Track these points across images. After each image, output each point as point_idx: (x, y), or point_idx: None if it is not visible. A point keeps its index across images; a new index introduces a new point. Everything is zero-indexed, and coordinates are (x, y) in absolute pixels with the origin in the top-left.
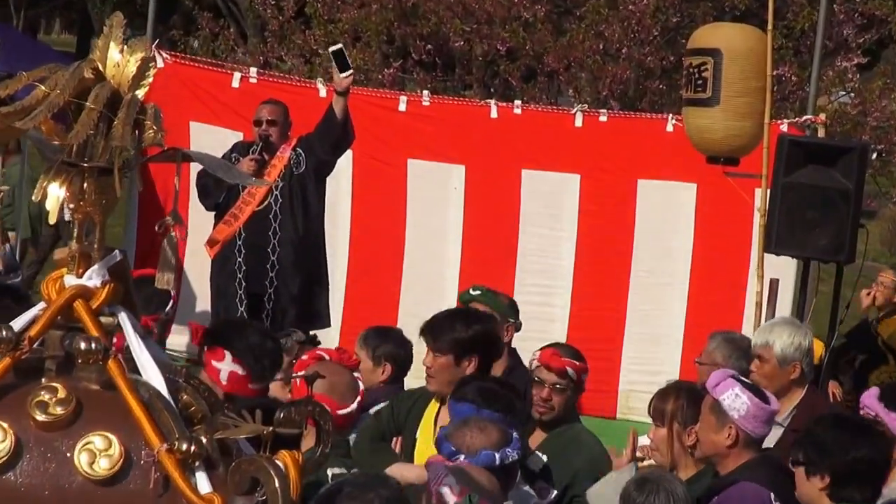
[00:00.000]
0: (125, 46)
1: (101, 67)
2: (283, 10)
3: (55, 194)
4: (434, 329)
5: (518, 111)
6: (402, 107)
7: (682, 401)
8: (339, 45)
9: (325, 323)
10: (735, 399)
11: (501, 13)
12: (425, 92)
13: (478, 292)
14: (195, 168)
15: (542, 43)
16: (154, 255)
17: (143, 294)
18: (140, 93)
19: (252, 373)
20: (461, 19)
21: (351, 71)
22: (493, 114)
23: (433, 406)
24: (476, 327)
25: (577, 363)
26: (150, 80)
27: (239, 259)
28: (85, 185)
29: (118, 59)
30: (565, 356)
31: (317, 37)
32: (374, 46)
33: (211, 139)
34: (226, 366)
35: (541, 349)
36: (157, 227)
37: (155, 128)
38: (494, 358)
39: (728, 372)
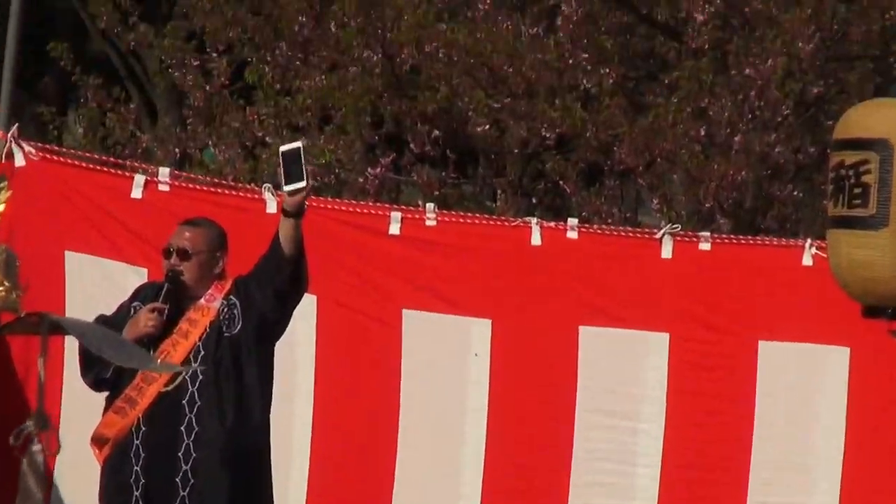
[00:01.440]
0: None
1: None
2: (212, 76)
3: None
4: None
5: (573, 234)
6: (395, 228)
7: None
8: (299, 144)
9: None
10: None
11: (548, 80)
12: (430, 205)
13: None
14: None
15: (611, 126)
16: None
17: None
18: None
19: None
20: (486, 89)
21: (299, 185)
22: (536, 239)
23: None
24: None
25: None
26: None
27: (136, 467)
28: None
29: None
30: None
31: (263, 116)
32: (353, 132)
33: (98, 280)
34: None
35: None
36: (11, 440)
37: (7, 284)
38: None
39: None
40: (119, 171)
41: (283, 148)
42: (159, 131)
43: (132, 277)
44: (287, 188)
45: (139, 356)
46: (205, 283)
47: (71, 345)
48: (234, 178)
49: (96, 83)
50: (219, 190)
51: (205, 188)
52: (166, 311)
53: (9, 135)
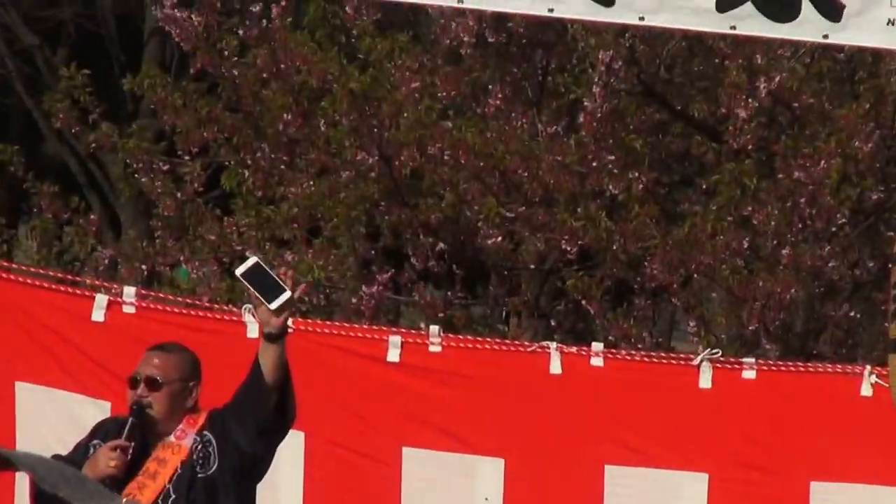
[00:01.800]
0: None
1: None
2: (184, 182)
3: None
4: None
5: (598, 361)
6: (394, 354)
7: None
8: (254, 259)
9: None
10: None
11: (568, 186)
12: (434, 328)
13: None
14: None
15: (640, 238)
16: None
17: None
18: None
19: None
20: (498, 196)
21: (286, 297)
22: (555, 366)
23: None
24: None
25: None
26: None
27: None
28: None
29: None
30: None
31: (243, 228)
32: (345, 245)
33: (54, 414)
34: None
35: None
36: None
37: None
38: None
39: None
40: (78, 291)
41: (238, 271)
42: (123, 245)
43: (92, 411)
44: (274, 305)
45: (100, 495)
46: (176, 416)
47: (22, 484)
48: (209, 298)
49: (51, 191)
50: (192, 312)
51: (176, 310)
52: (131, 450)
53: None
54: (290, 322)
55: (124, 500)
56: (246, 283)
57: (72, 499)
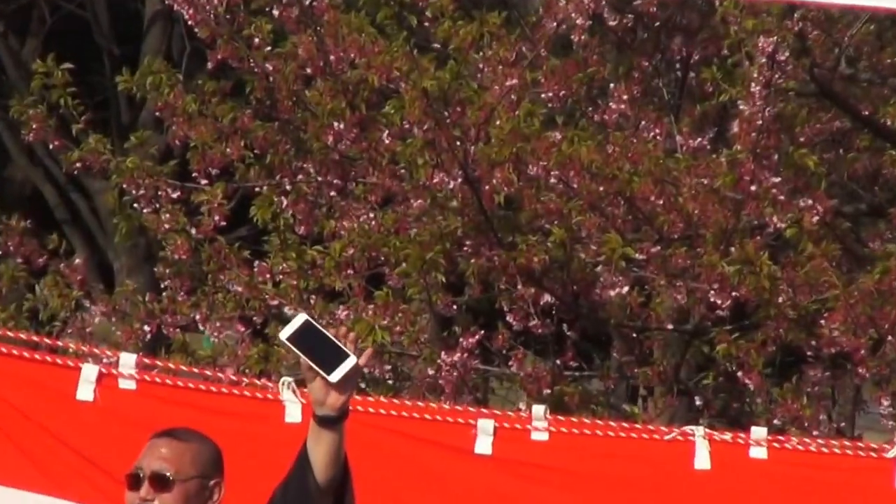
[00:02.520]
0: None
1: None
2: (201, 215)
3: None
4: None
5: (760, 453)
6: (485, 444)
7: None
8: (303, 316)
9: None
10: None
11: (719, 218)
12: (538, 408)
13: None
14: None
15: (815, 287)
16: None
17: None
18: None
19: None
20: (622, 231)
21: (350, 364)
22: (702, 460)
23: None
24: None
25: None
26: None
27: None
28: None
29: None
30: None
31: (279, 276)
32: (418, 299)
33: None
34: None
35: None
36: None
37: None
38: None
39: None
40: (59, 360)
41: (283, 335)
42: (118, 300)
43: None
44: (335, 376)
45: None
46: None
47: None
48: (235, 370)
49: (21, 227)
50: (213, 388)
51: (191, 385)
52: None
53: None
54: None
55: None
56: (295, 350)
57: None
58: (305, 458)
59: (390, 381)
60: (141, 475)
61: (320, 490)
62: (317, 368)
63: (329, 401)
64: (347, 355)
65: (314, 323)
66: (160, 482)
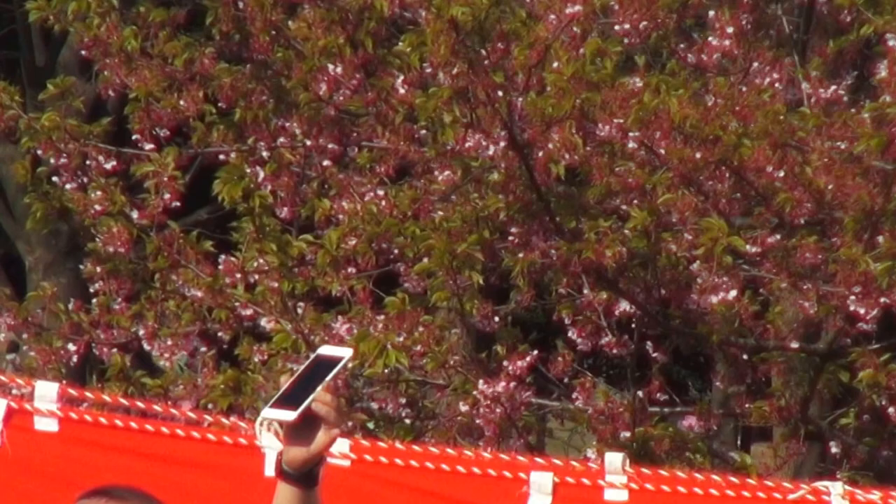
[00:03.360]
0: None
1: None
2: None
3: None
4: None
5: None
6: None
7: None
8: (350, 353)
9: None
10: None
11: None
12: (614, 457)
13: None
14: None
15: None
16: None
17: None
18: None
19: None
20: (728, 215)
21: (288, 415)
22: None
23: None
24: None
25: None
26: None
27: None
28: None
29: None
30: None
31: (253, 275)
32: (447, 308)
33: None
34: None
35: None
36: None
37: None
38: None
39: None
40: None
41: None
42: (32, 308)
43: None
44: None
45: None
46: None
47: None
48: (194, 404)
49: None
50: (164, 430)
51: (133, 426)
52: None
53: None
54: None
55: None
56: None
57: None
58: None
59: (408, 421)
60: None
61: None
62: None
63: (290, 453)
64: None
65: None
66: None
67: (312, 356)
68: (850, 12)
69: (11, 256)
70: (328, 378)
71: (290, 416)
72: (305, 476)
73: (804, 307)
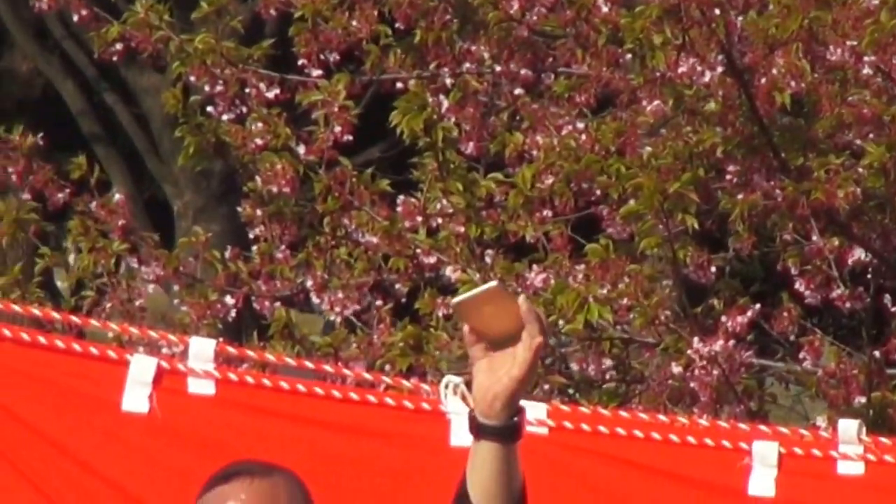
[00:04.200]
0: None
1: None
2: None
3: None
4: None
5: None
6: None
7: None
8: (493, 284)
9: None
10: None
11: None
12: (850, 424)
13: None
14: None
15: None
16: None
17: None
18: None
19: None
20: None
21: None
22: None
23: None
24: None
25: None
26: None
27: None
28: None
29: None
30: None
31: (438, 217)
32: (654, 256)
33: None
34: None
35: None
36: None
37: None
38: None
39: None
40: (93, 350)
41: (456, 299)
42: (181, 257)
43: None
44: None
45: None
46: None
47: None
48: (368, 365)
49: (30, 145)
50: (334, 393)
51: (300, 388)
52: None
53: None
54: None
55: None
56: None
57: None
58: (464, 494)
59: (613, 384)
60: None
61: None
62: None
63: (486, 395)
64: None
65: (503, 290)
66: None
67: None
68: None
69: (157, 200)
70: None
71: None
72: (506, 429)
73: None
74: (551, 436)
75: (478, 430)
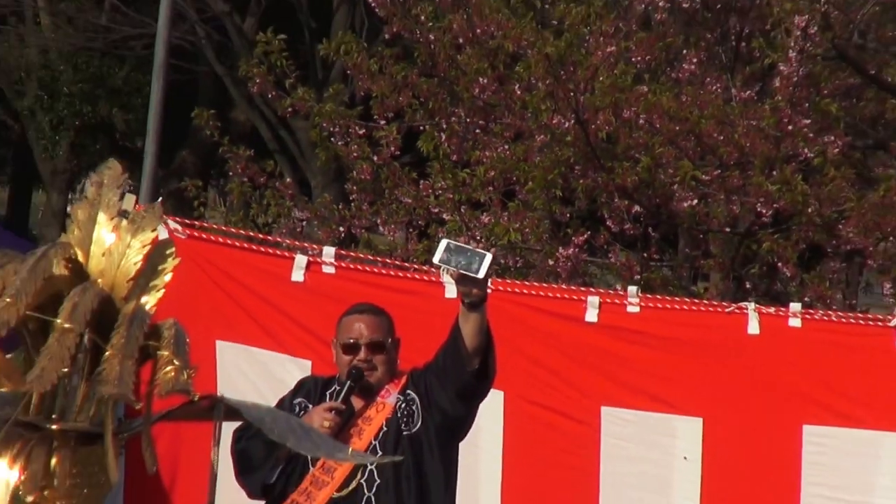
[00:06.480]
0: (122, 219)
1: (80, 256)
2: (381, 146)
3: (4, 478)
4: None
5: (796, 322)
6: (592, 315)
7: None
8: (445, 242)
9: None
10: None
11: (764, 150)
12: (633, 288)
13: None
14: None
15: (835, 202)
16: None
17: None
18: (149, 301)
19: None
20: (693, 160)
21: (489, 259)
22: (753, 327)
23: None
24: None
25: None
26: (167, 278)
27: None
28: (54, 461)
29: (110, 241)
30: None
31: (439, 191)
32: (541, 208)
33: (254, 372)
34: None
35: None
36: None
37: (177, 362)
38: None
39: None
40: (277, 252)
41: (436, 259)
42: (319, 208)
43: (292, 370)
44: (482, 272)
45: (327, 445)
46: (384, 379)
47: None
48: (405, 259)
49: (246, 155)
50: (391, 272)
51: (375, 270)
52: (345, 412)
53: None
54: (489, 284)
55: (350, 450)
56: (446, 268)
57: (298, 448)
58: (458, 331)
59: (520, 268)
60: (359, 343)
61: (470, 353)
62: (466, 273)
63: (473, 291)
64: (485, 254)
65: (453, 242)
66: (376, 347)
67: (438, 260)
68: (759, 51)
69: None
70: (463, 244)
71: (489, 256)
72: (484, 299)
73: (733, 209)
74: (492, 295)
75: (465, 305)
